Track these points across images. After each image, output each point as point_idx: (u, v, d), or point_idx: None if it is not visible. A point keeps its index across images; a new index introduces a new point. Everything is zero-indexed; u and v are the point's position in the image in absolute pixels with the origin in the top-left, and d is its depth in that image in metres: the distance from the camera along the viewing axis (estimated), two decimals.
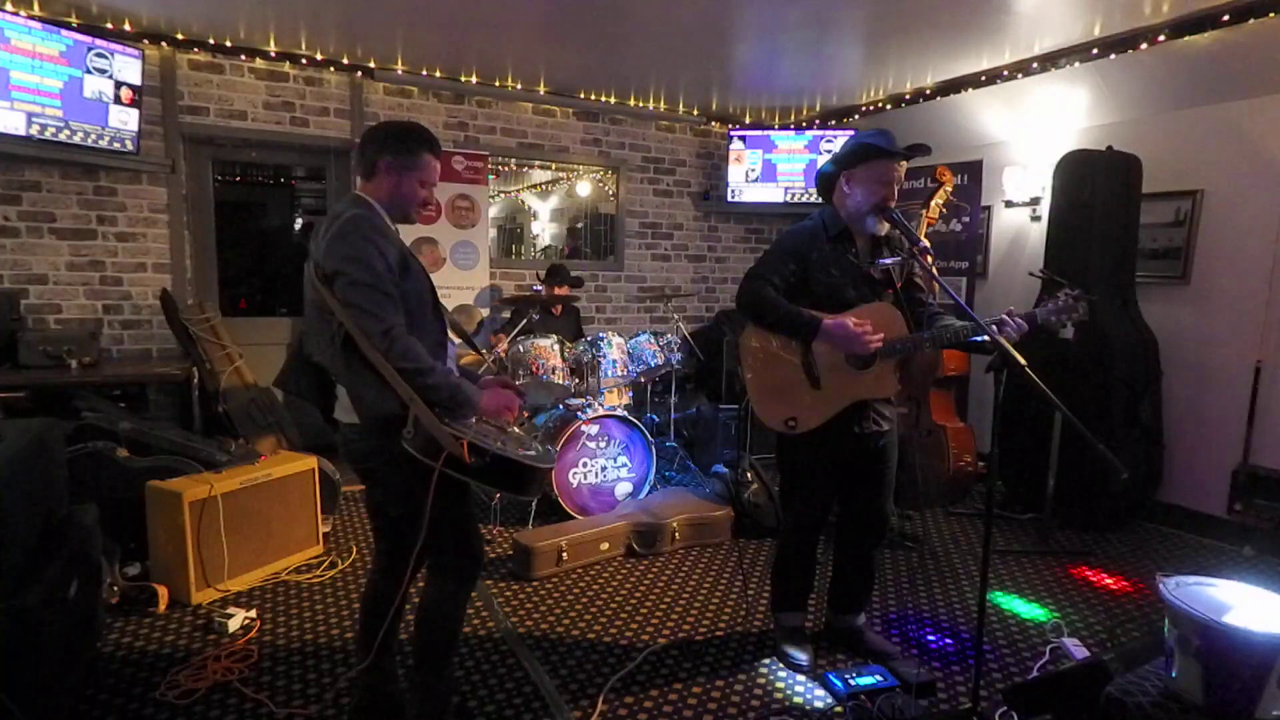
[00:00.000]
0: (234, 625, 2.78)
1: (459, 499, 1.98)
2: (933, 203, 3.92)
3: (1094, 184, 4.01)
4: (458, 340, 2.29)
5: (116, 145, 4.14)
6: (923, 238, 3.90)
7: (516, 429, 2.12)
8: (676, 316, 5.30)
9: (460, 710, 2.26)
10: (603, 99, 5.66)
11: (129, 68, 4.12)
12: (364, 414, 1.88)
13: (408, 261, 1.94)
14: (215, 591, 3.04)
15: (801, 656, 2.60)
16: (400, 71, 4.99)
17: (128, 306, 4.50)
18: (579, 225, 7.46)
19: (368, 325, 1.78)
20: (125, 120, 4.15)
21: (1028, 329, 2.26)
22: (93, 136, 4.03)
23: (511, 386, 2.14)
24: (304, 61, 4.74)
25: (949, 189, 3.95)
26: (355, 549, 3.59)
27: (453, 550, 2.02)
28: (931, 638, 2.84)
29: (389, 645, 2.20)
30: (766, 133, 5.99)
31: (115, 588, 2.93)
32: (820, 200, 2.58)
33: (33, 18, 3.80)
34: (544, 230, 9.01)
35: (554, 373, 4.16)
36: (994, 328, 2.17)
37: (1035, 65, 4.36)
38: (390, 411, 1.82)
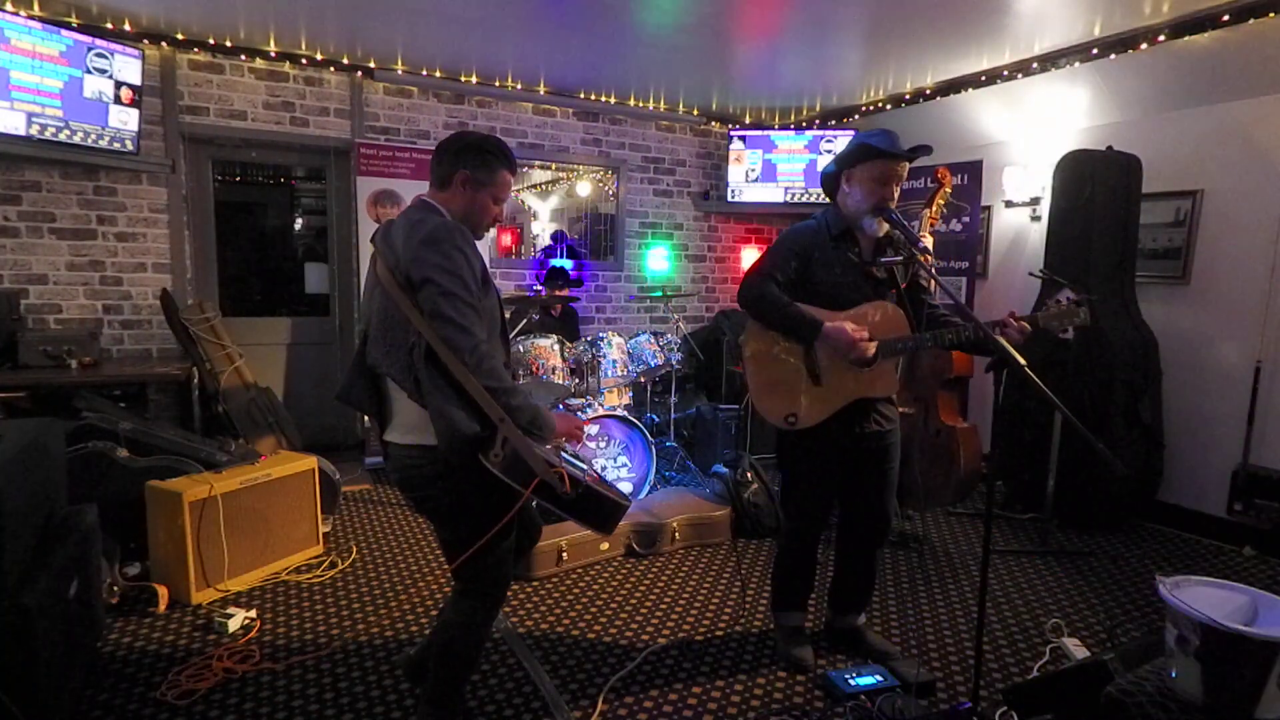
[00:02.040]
0: (234, 625, 2.78)
1: (510, 527, 1.95)
2: (935, 203, 3.94)
3: (1094, 184, 4.00)
4: None
5: (116, 145, 4.14)
6: (927, 237, 3.91)
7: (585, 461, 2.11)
8: (676, 316, 5.31)
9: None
10: (603, 99, 5.66)
11: (129, 68, 4.12)
12: (447, 434, 1.74)
13: (487, 277, 1.89)
14: (215, 591, 3.04)
15: (802, 657, 2.60)
16: (400, 71, 4.99)
17: (128, 306, 4.50)
18: (581, 224, 7.46)
19: (459, 340, 1.70)
20: (125, 120, 4.15)
21: (1030, 332, 2.26)
22: (93, 136, 4.03)
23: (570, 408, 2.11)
24: (304, 61, 4.74)
25: (949, 189, 3.98)
26: (355, 549, 3.59)
27: (491, 577, 1.98)
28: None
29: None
30: (766, 133, 5.99)
31: (115, 588, 2.93)
32: (823, 200, 2.59)
33: (33, 18, 3.80)
34: (544, 230, 9.02)
35: (554, 373, 4.16)
36: (995, 329, 2.16)
37: (1035, 65, 4.36)
38: (475, 432, 1.73)
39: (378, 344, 1.88)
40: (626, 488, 4.10)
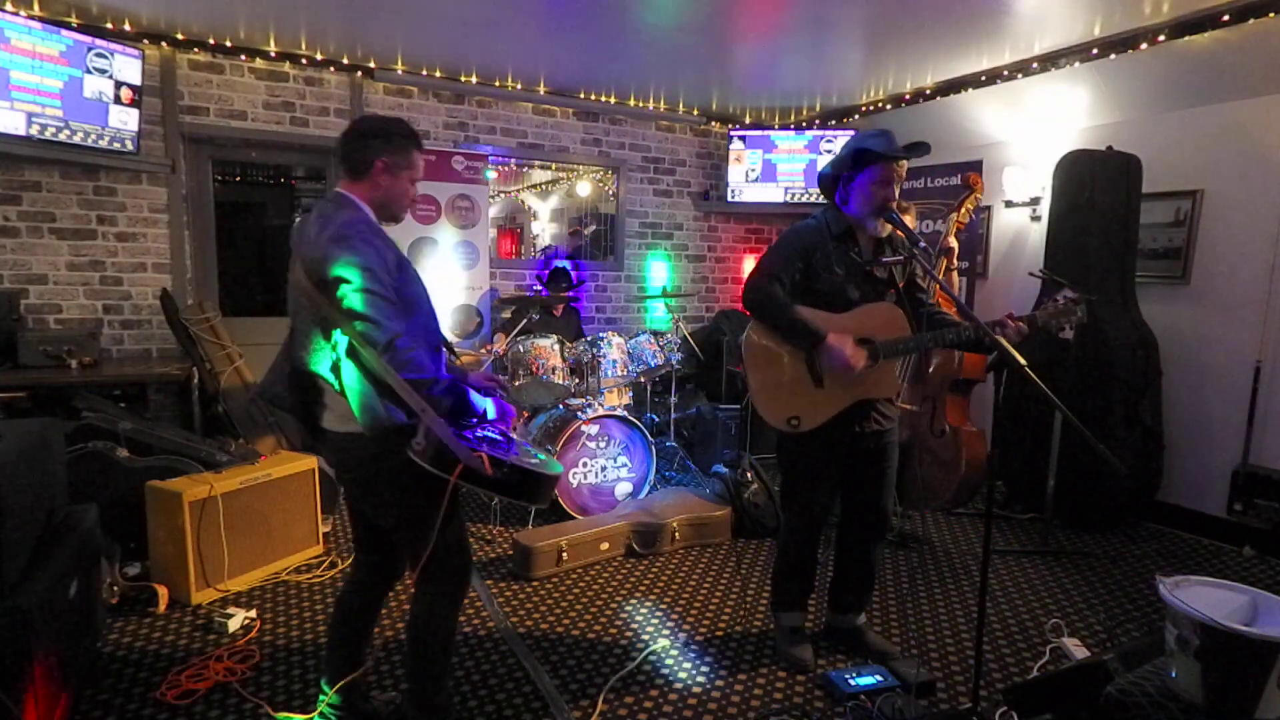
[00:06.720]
0: (234, 625, 2.78)
1: (455, 507, 1.96)
2: (963, 207, 3.98)
3: (1094, 184, 4.01)
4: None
5: (116, 145, 4.13)
6: (953, 239, 3.93)
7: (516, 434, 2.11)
8: (676, 316, 5.30)
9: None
10: (603, 99, 5.66)
11: (129, 68, 4.12)
12: (370, 424, 1.80)
13: (404, 265, 1.90)
14: (215, 591, 3.04)
15: (802, 656, 2.60)
16: (400, 71, 4.99)
17: (128, 306, 4.49)
18: (589, 229, 7.44)
19: (374, 335, 1.72)
20: (125, 120, 4.14)
21: (1028, 331, 2.26)
22: (93, 136, 4.03)
23: (501, 384, 2.12)
24: (304, 61, 4.74)
25: (979, 195, 4.06)
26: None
27: (448, 559, 1.98)
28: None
29: (364, 659, 2.17)
30: (766, 133, 5.99)
31: (115, 588, 2.93)
32: (823, 200, 2.59)
33: (33, 18, 3.80)
34: (544, 230, 9.02)
35: (554, 373, 4.16)
36: (994, 329, 2.17)
37: (1035, 65, 4.36)
38: (398, 423, 1.77)
39: (301, 342, 1.91)
40: (626, 488, 4.11)
